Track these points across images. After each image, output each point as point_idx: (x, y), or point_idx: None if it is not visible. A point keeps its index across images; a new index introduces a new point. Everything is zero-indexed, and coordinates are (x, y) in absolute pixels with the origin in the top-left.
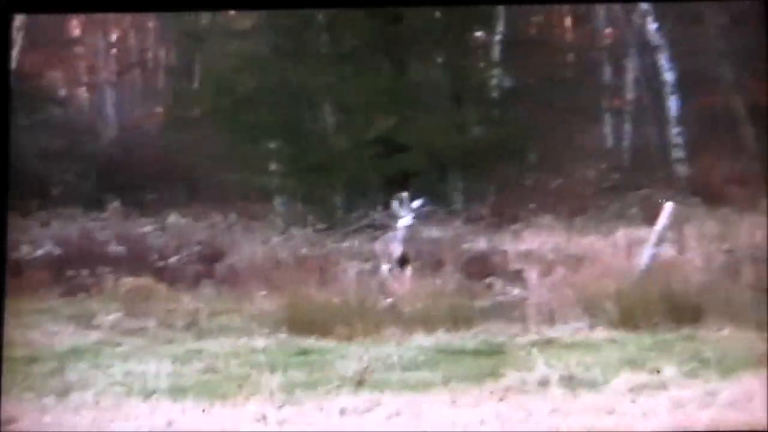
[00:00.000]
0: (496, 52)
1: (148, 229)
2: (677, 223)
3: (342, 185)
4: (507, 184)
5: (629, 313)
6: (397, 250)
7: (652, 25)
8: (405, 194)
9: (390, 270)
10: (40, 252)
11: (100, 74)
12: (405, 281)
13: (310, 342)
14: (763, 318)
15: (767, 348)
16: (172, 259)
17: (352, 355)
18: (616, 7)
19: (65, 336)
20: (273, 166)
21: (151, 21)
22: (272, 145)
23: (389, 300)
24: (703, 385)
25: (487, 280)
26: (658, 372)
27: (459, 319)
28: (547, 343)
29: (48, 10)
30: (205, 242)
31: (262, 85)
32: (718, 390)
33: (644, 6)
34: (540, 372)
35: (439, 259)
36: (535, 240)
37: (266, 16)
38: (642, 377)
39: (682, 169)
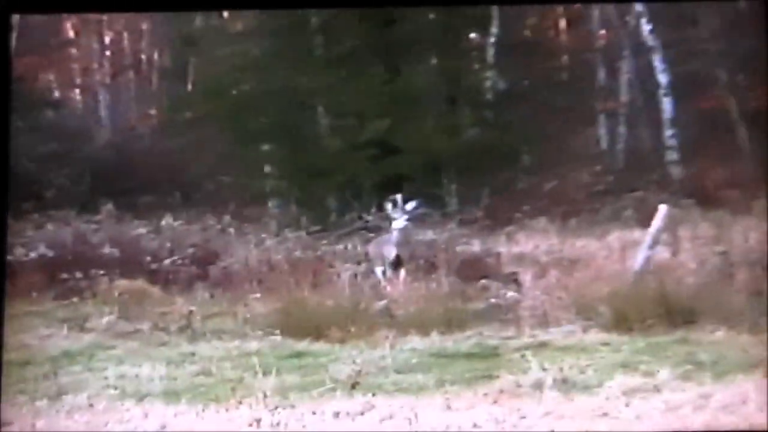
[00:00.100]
0: (490, 55)
1: (141, 231)
2: (671, 225)
3: (336, 188)
4: (501, 187)
5: (623, 315)
6: (390, 252)
7: (646, 27)
8: (398, 197)
9: (383, 272)
10: (33, 255)
11: (94, 76)
12: (398, 284)
13: (304, 345)
14: (757, 320)
15: (767, 352)
16: (166, 262)
17: (346, 358)
18: (611, 9)
19: (59, 339)
20: (267, 169)
21: (145, 23)
22: (266, 147)
23: (383, 302)
24: (697, 387)
25: (481, 283)
26: (659, 371)
27: (453, 322)
28: (541, 346)
29: (48, 10)
30: (199, 245)
31: (255, 88)
32: (711, 393)
33: (638, 8)
34: (534, 375)
35: (433, 262)
36: (528, 242)
37: (260, 18)
38: (636, 380)
39: (676, 172)
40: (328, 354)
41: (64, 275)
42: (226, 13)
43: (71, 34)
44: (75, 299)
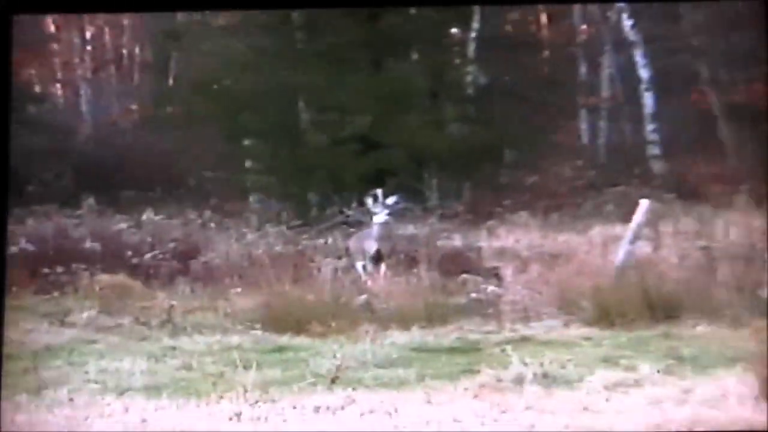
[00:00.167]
0: (471, 50)
1: (123, 226)
2: (653, 220)
3: (318, 183)
4: (482, 181)
5: (605, 310)
6: (371, 247)
7: (627, 22)
8: (379, 191)
9: (364, 267)
10: (14, 249)
11: (75, 71)
12: (379, 278)
13: (285, 339)
14: (738, 315)
15: (767, 347)
16: (147, 257)
17: (327, 353)
18: (592, 5)
19: (40, 333)
20: (248, 164)
21: (126, 19)
22: (248, 142)
23: (363, 297)
24: (679, 382)
25: (462, 278)
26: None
27: (434, 317)
28: (522, 341)
29: (48, 10)
30: (180, 239)
31: (238, 83)
32: (693, 387)
33: (620, 3)
34: (515, 369)
35: (414, 257)
36: (510, 237)
37: (243, 14)
38: (617, 374)
39: (658, 166)
40: (309, 348)
41: (45, 270)
42: None
43: (52, 29)
44: (56, 294)
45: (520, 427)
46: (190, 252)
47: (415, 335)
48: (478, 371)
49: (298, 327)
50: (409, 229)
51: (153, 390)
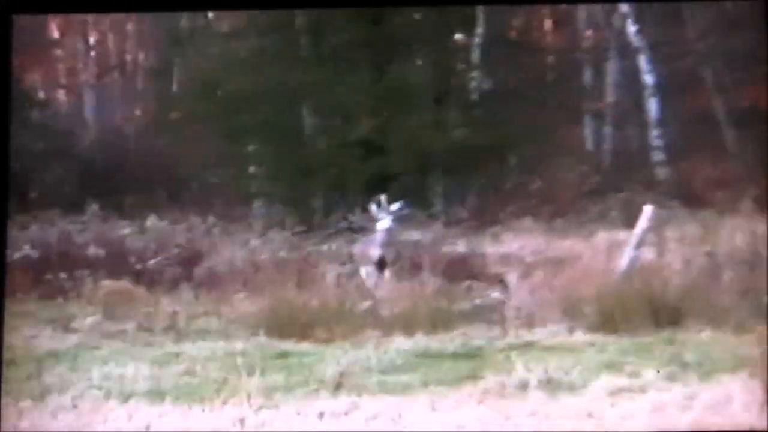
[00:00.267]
0: (476, 54)
1: (126, 231)
2: (657, 225)
3: (322, 188)
4: (487, 187)
5: (609, 316)
6: (375, 253)
7: (632, 27)
8: (383, 197)
9: (368, 273)
10: (17, 255)
11: (79, 76)
12: (384, 284)
13: (289, 345)
14: (743, 321)
15: (767, 351)
16: (151, 262)
17: (331, 358)
18: (597, 9)
19: (43, 339)
20: (252, 169)
21: (130, 23)
22: (252, 147)
23: (368, 303)
24: (683, 388)
25: (467, 283)
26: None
27: (438, 323)
28: (527, 346)
29: (48, 10)
30: (184, 245)
31: (242, 88)
32: (697, 393)
33: (624, 8)
34: (519, 375)
35: (419, 262)
36: (514, 243)
37: (247, 17)
38: (622, 380)
39: (662, 172)
40: (313, 354)
41: (49, 275)
42: (211, 13)
43: (56, 34)
44: (60, 299)
45: None
46: (194, 258)
47: (420, 341)
48: (483, 377)
49: (302, 333)
50: (414, 234)
51: (157, 396)
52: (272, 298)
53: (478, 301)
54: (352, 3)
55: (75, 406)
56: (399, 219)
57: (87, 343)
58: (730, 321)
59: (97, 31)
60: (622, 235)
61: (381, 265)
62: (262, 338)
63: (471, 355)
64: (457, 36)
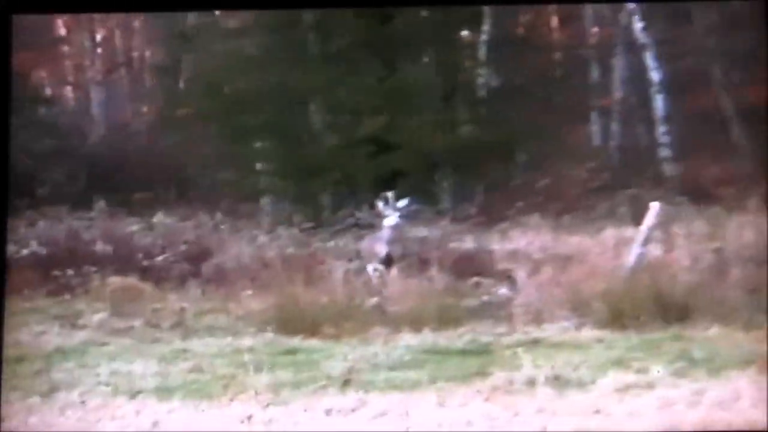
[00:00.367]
0: (483, 52)
1: (134, 228)
2: (665, 222)
3: (330, 185)
4: (494, 183)
5: (617, 312)
6: (382, 249)
7: (638, 24)
8: (390, 193)
9: (376, 270)
10: (25, 252)
11: (86, 74)
12: (391, 281)
13: (297, 341)
14: (751, 317)
15: (767, 348)
16: (159, 259)
17: (338, 355)
18: (603, 7)
19: (51, 336)
20: (260, 166)
21: (137, 20)
22: (260, 144)
23: (376, 299)
24: (691, 384)
25: (474, 280)
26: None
27: (446, 319)
28: (534, 343)
29: (48, 10)
30: (192, 242)
31: (249, 85)
32: (705, 389)
33: (631, 5)
34: (527, 372)
35: (426, 259)
36: (522, 239)
37: (254, 16)
38: (629, 377)
39: (669, 169)
40: (321, 351)
41: (57, 272)
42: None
43: (63, 31)
44: (67, 296)
45: (532, 430)
46: (202, 254)
47: (427, 337)
48: (490, 373)
49: (310, 329)
50: (421, 231)
51: (164, 392)
52: (280, 295)
53: (485, 298)
54: (359, 2)
55: (83, 403)
56: (406, 216)
57: (95, 339)
58: (738, 318)
59: (104, 28)
60: (629, 231)
61: (388, 261)
62: (270, 335)
63: (479, 351)
64: (464, 34)
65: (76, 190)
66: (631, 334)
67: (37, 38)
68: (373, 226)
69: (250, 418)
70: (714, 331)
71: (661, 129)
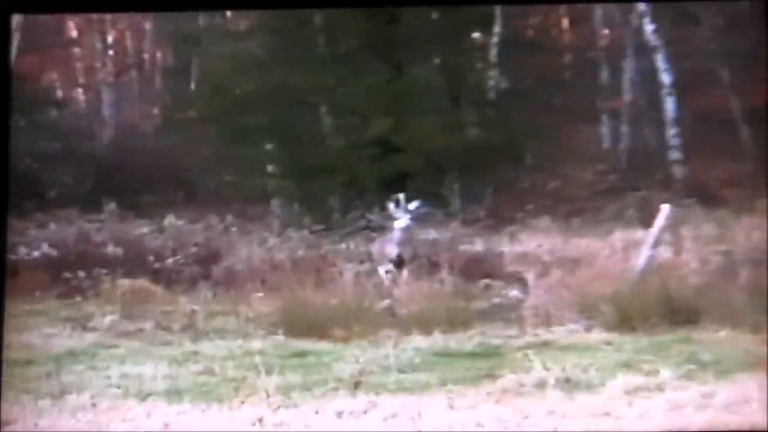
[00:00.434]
0: (493, 54)
1: (144, 230)
2: (674, 224)
3: (339, 187)
4: (504, 186)
5: (626, 315)
6: (392, 251)
7: (649, 26)
8: (401, 196)
9: (386, 272)
10: (36, 254)
11: (96, 76)
12: (401, 283)
13: (307, 344)
14: (759, 320)
15: (767, 350)
16: (169, 261)
17: (349, 357)
18: (613, 8)
19: (61, 338)
20: (270, 168)
21: (147, 22)
22: (269, 146)
23: (386, 302)
24: (700, 387)
25: (484, 282)
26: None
27: (455, 321)
28: (544, 345)
29: (47, 10)
30: (202, 244)
31: (258, 87)
32: (714, 392)
33: (641, 7)
34: (537, 374)
35: (436, 261)
36: (531, 242)
37: (262, 17)
38: (638, 379)
39: (679, 171)
40: (331, 353)
41: (67, 274)
42: (228, 12)
43: (74, 33)
44: (78, 298)
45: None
46: (212, 257)
47: (438, 340)
48: (500, 376)
49: (320, 332)
50: (432, 233)
51: (175, 395)
52: (290, 297)
53: (495, 300)
54: (368, 3)
55: (93, 405)
56: (417, 218)
57: (105, 342)
58: (747, 320)
59: (114, 30)
60: (639, 234)
61: (399, 263)
62: (280, 337)
63: (489, 353)
64: (474, 35)
65: (86, 192)
66: (640, 336)
67: (47, 40)
68: (383, 229)
69: (260, 420)
70: (723, 333)
71: (671, 131)
